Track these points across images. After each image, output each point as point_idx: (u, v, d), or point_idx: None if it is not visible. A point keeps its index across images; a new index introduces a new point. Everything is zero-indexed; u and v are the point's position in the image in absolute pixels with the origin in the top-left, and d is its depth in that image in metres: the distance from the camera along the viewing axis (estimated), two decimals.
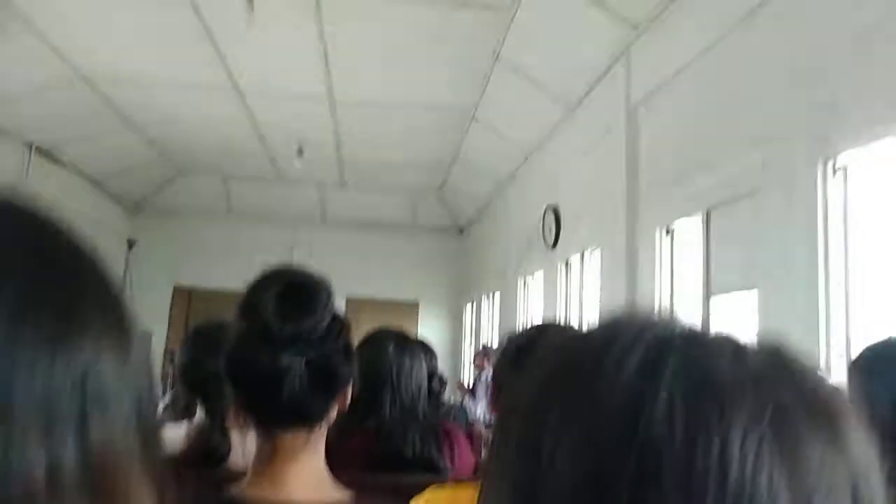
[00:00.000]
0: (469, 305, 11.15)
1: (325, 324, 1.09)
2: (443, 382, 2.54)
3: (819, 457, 0.37)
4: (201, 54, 6.01)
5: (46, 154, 7.90)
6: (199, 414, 2.03)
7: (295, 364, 1.05)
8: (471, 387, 7.23)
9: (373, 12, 5.12)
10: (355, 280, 11.53)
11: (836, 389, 0.42)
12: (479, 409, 6.27)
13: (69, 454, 0.33)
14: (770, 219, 3.18)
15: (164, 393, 2.84)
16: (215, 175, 10.59)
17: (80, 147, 8.11)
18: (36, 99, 6.60)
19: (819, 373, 0.43)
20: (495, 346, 7.12)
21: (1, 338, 0.33)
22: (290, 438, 1.08)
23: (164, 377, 6.94)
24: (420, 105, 7.09)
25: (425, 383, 2.13)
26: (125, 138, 8.36)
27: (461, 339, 11.58)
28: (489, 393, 5.89)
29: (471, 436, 2.74)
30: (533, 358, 0.47)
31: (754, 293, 3.24)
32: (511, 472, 0.42)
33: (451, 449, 2.14)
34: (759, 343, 0.43)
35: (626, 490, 0.36)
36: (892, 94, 2.53)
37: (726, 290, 3.58)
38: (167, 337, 11.09)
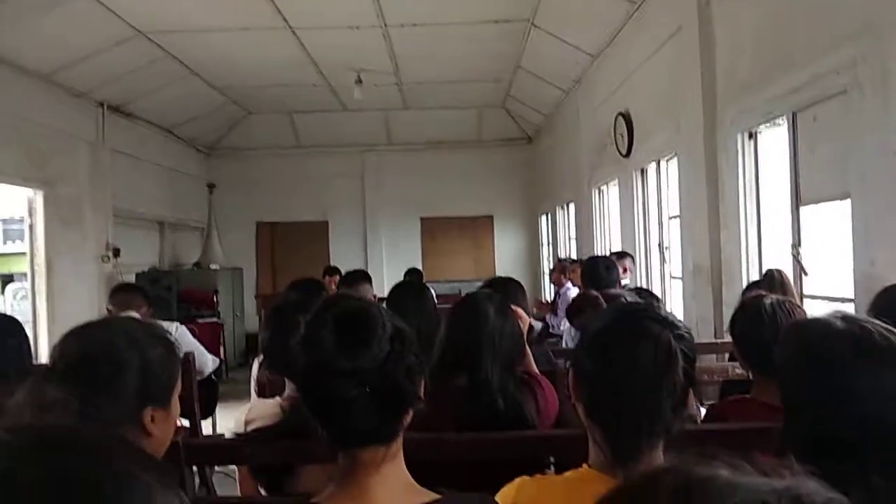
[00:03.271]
0: (544, 217, 11.03)
1: (384, 352, 1.09)
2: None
3: None
4: None
5: (118, 110, 8.13)
6: (288, 388, 2.12)
7: (359, 394, 1.06)
8: (551, 302, 7.23)
9: None
10: (428, 200, 11.59)
11: None
12: (562, 325, 6.28)
13: None
14: (864, 120, 2.92)
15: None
16: (281, 111, 10.66)
17: (148, 99, 8.28)
18: (99, 59, 6.71)
19: None
20: (573, 259, 7.04)
21: None
22: (368, 453, 1.11)
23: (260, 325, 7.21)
24: (474, 20, 6.78)
25: (520, 342, 2.19)
26: (190, 85, 8.47)
27: (538, 250, 11.54)
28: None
29: (553, 377, 2.76)
30: None
31: (847, 203, 3.02)
32: None
33: (537, 399, 2.18)
34: None
35: None
36: None
37: (816, 200, 3.36)
38: (256, 272, 11.59)
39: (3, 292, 14.18)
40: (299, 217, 11.58)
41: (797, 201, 3.49)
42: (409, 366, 1.12)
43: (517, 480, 1.28)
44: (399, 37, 7.17)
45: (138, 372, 1.15)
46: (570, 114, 8.53)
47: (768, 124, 3.86)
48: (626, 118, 6.20)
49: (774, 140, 3.81)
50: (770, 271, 3.34)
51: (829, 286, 3.32)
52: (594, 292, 3.72)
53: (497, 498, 1.27)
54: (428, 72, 8.68)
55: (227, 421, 5.28)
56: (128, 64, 7.18)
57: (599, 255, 5.11)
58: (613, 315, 1.22)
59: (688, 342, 1.16)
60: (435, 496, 1.15)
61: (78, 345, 1.15)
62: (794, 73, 3.41)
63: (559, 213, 9.80)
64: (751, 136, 4.05)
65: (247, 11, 6.30)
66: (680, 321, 1.21)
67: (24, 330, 2.36)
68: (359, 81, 8.39)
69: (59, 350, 1.15)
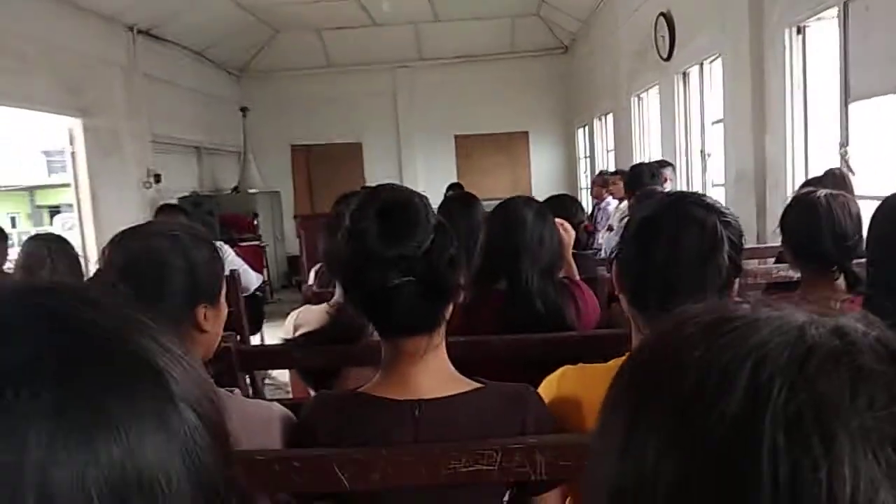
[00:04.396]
0: (581, 130, 10.79)
1: (428, 241, 1.09)
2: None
3: None
4: None
5: (148, 33, 8.07)
6: (337, 294, 2.18)
7: (404, 283, 1.08)
8: (589, 216, 7.17)
9: None
10: (461, 117, 11.39)
11: None
12: (601, 239, 6.24)
13: None
14: None
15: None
16: (309, 28, 10.45)
17: (177, 21, 8.19)
18: None
19: None
20: (613, 171, 6.91)
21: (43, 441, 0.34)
22: (411, 343, 1.14)
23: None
24: None
25: (560, 249, 2.20)
26: (216, 4, 8.34)
27: (575, 165, 11.36)
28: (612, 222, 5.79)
29: (594, 285, 2.77)
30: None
31: None
32: (608, 480, 0.42)
33: (577, 304, 2.20)
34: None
35: None
36: None
37: (867, 96, 3.22)
38: (294, 195, 11.69)
39: (51, 223, 14.67)
40: (333, 139, 11.54)
41: (846, 98, 3.35)
42: (451, 256, 1.13)
43: (559, 370, 1.31)
44: None
45: (185, 271, 1.18)
46: (609, 17, 8.19)
47: (817, 17, 3.66)
48: (668, 18, 5.94)
49: (822, 36, 3.62)
50: (830, 169, 3.26)
51: (878, 186, 3.22)
52: (659, 188, 3.75)
53: (540, 389, 1.29)
54: None
55: (274, 339, 5.50)
56: None
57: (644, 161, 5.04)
58: (659, 202, 1.20)
59: (735, 229, 1.14)
60: (477, 385, 1.19)
61: (123, 249, 1.19)
62: None
63: (597, 126, 9.57)
64: (799, 31, 3.86)
65: None
66: (727, 208, 1.18)
67: (74, 249, 2.47)
68: None
69: (106, 254, 1.18)
